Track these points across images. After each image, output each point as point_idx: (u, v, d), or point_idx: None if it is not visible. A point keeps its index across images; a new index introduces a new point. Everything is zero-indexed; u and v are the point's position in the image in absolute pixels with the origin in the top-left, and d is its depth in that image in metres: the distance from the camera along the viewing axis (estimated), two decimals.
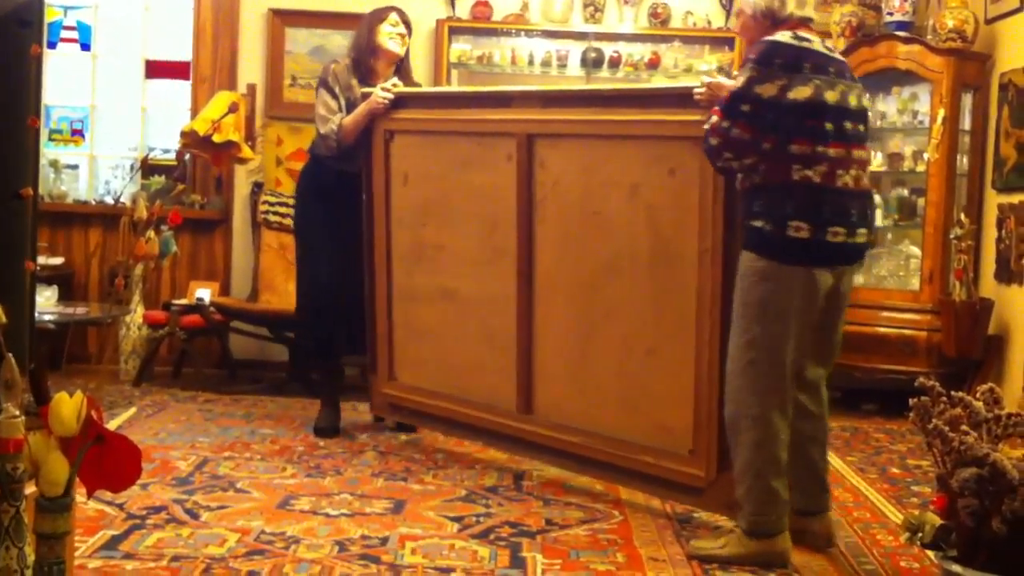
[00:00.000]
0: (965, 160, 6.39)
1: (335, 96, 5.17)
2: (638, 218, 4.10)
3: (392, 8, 5.31)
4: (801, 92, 3.49)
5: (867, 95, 3.86)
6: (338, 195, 5.25)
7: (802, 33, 3.64)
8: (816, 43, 3.64)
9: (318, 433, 5.22)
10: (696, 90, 3.82)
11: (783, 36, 3.59)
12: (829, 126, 3.53)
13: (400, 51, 5.27)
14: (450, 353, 4.89)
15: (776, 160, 3.50)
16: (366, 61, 5.25)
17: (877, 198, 5.79)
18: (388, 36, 5.23)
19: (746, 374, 3.57)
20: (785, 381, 3.58)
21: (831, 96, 3.55)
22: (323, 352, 5.46)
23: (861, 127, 3.67)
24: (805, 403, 3.70)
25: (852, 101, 3.65)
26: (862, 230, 3.63)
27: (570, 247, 4.35)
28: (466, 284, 4.78)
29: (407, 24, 5.30)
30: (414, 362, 5.11)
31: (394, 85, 5.11)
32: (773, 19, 3.67)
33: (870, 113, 3.82)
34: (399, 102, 5.06)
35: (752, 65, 3.53)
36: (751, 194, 3.59)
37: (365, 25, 5.30)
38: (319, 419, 5.32)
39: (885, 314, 6.33)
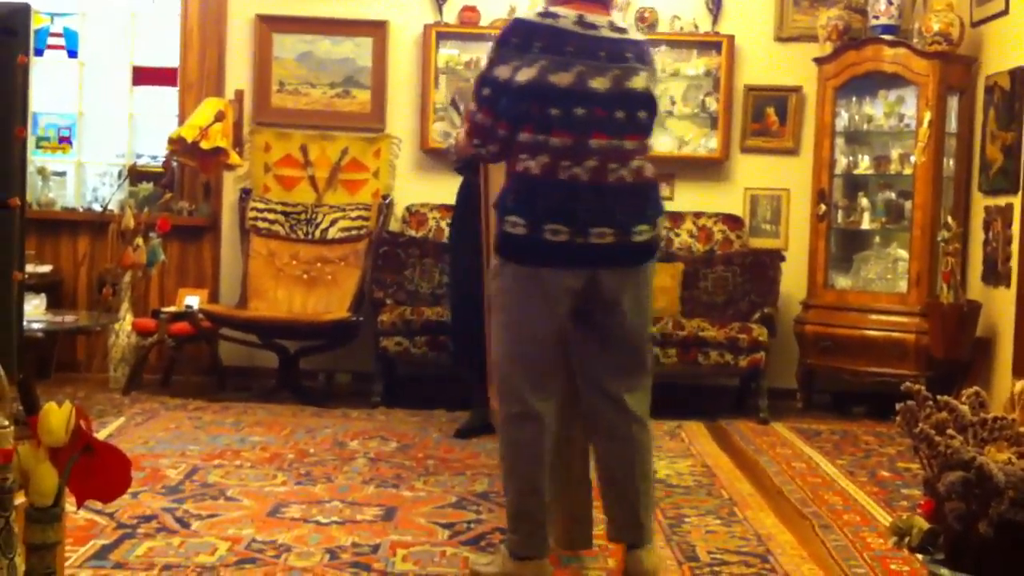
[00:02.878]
0: (952, 163, 6.42)
1: (459, 112, 5.26)
2: None
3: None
4: (525, 74, 3.17)
5: (652, 79, 3.34)
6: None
7: (561, 9, 3.25)
8: (567, 20, 3.22)
9: (465, 434, 5.44)
10: None
11: (528, 13, 3.34)
12: (555, 112, 3.17)
13: None
14: None
15: (511, 149, 3.24)
16: None
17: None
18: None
19: (498, 379, 3.38)
20: (525, 390, 3.27)
21: (562, 79, 3.17)
22: (473, 359, 5.53)
23: (619, 114, 3.22)
24: (611, 420, 3.37)
25: (599, 84, 3.20)
26: (604, 229, 3.21)
27: None
28: None
29: None
30: None
31: None
32: None
33: (650, 97, 3.31)
34: None
35: (493, 46, 3.29)
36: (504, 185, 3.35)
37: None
38: (472, 420, 5.54)
39: (873, 317, 6.35)
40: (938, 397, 2.79)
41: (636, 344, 3.38)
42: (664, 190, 6.91)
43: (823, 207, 6.58)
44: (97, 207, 7.02)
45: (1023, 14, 5.86)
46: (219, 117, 6.38)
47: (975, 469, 2.57)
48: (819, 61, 6.65)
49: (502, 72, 3.21)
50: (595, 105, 3.20)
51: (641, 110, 3.27)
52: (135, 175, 7.05)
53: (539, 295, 3.24)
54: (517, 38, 3.23)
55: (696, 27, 6.94)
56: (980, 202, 6.26)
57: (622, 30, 3.32)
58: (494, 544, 3.74)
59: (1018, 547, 2.59)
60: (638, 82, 3.27)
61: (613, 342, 3.35)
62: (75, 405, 2.39)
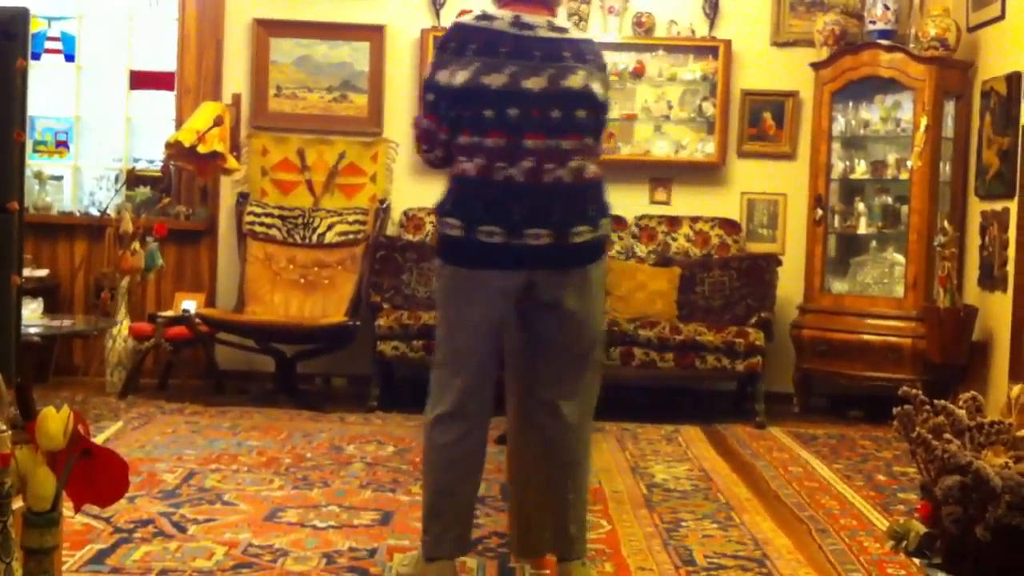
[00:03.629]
0: (948, 167, 6.43)
1: None
2: None
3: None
4: (461, 77, 3.18)
5: (594, 77, 3.28)
6: None
7: (499, 11, 3.27)
8: (502, 21, 3.23)
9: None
10: None
11: (467, 17, 3.33)
12: (489, 113, 3.16)
13: None
14: None
15: (452, 151, 3.25)
16: None
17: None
18: None
19: (433, 377, 3.34)
20: (456, 387, 3.25)
21: (495, 80, 3.16)
22: None
23: (555, 113, 3.18)
24: (544, 427, 3.34)
25: (533, 84, 3.17)
26: (539, 230, 3.16)
27: None
28: None
29: None
30: None
31: None
32: None
33: (590, 96, 3.26)
34: None
35: (435, 51, 3.33)
36: None
37: None
38: None
39: (870, 321, 6.36)
40: (935, 401, 2.79)
41: (576, 350, 3.31)
42: (661, 194, 6.93)
43: (820, 212, 6.59)
44: (94, 211, 7.02)
45: (1019, 19, 5.87)
46: (217, 122, 6.39)
47: (972, 473, 2.58)
48: (816, 66, 6.66)
49: (442, 76, 3.22)
50: (530, 105, 3.18)
51: (580, 109, 3.23)
52: (132, 179, 7.05)
53: (475, 297, 3.23)
54: (455, 42, 3.25)
55: (693, 32, 6.94)
56: (976, 207, 6.27)
57: (561, 29, 3.30)
58: (491, 548, 3.75)
59: (1015, 551, 2.59)
60: (575, 80, 3.22)
61: (551, 347, 3.30)
62: (73, 409, 2.40)
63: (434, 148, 3.30)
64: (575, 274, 3.25)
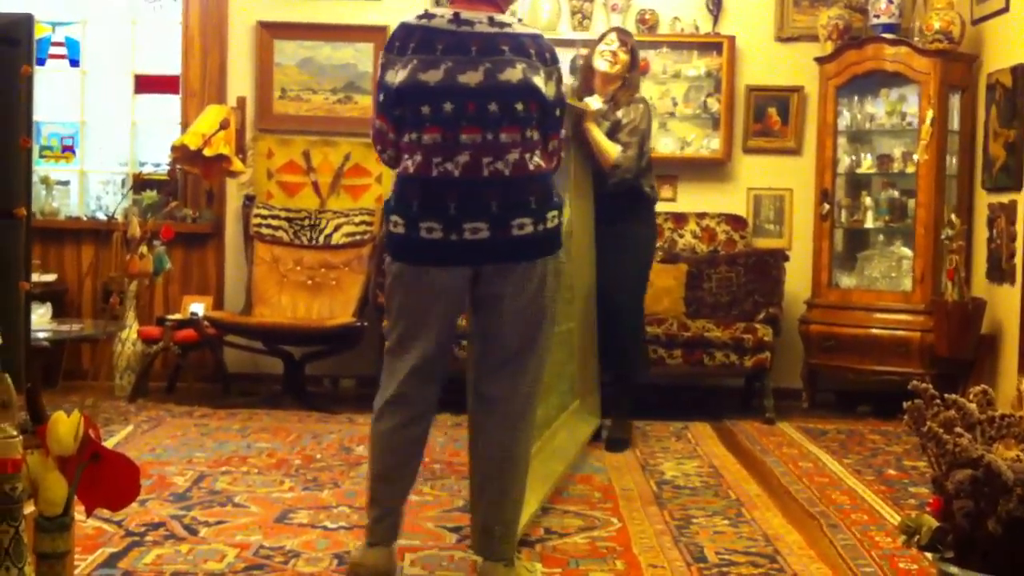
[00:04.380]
0: (954, 161, 6.42)
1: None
2: None
3: (613, 29, 5.66)
4: (400, 76, 3.23)
5: (535, 70, 3.24)
6: None
7: (439, 9, 3.32)
8: (441, 19, 3.25)
9: (620, 446, 5.33)
10: None
11: (411, 16, 3.36)
12: (426, 110, 3.19)
13: (608, 69, 5.43)
14: None
15: (399, 150, 3.30)
16: (588, 79, 5.56)
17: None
18: (599, 55, 5.47)
19: (383, 369, 3.39)
20: (401, 378, 3.29)
21: (432, 77, 3.18)
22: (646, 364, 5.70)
23: (493, 107, 3.17)
24: (483, 424, 3.33)
25: (468, 79, 3.18)
26: (478, 224, 3.16)
27: None
28: None
29: (624, 42, 5.47)
30: None
31: (583, 103, 5.33)
32: None
33: (530, 88, 3.22)
34: None
35: (383, 51, 3.36)
36: None
37: (593, 45, 5.61)
38: (624, 430, 5.45)
39: (878, 315, 6.35)
40: (945, 395, 2.79)
41: (516, 347, 3.29)
42: (667, 191, 6.92)
43: (826, 206, 6.58)
44: (101, 215, 7.04)
45: (1023, 11, 5.86)
46: (224, 125, 6.38)
47: (983, 467, 2.58)
48: (820, 61, 6.65)
49: (389, 76, 3.27)
50: (466, 99, 3.18)
51: (518, 102, 3.20)
52: (138, 183, 7.06)
53: (421, 292, 3.26)
54: (398, 42, 3.28)
55: (697, 28, 6.94)
56: (983, 199, 6.26)
57: (502, 24, 3.27)
58: None
59: None
60: (513, 74, 3.20)
61: (492, 341, 3.30)
62: (83, 414, 2.40)
63: (386, 148, 3.36)
64: (520, 268, 3.22)
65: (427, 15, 3.30)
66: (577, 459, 4.93)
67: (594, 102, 5.37)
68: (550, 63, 3.30)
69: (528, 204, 3.20)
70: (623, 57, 5.43)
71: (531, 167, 3.22)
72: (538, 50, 3.28)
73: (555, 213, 3.27)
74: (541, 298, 3.28)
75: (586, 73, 5.59)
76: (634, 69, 5.52)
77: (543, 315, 3.31)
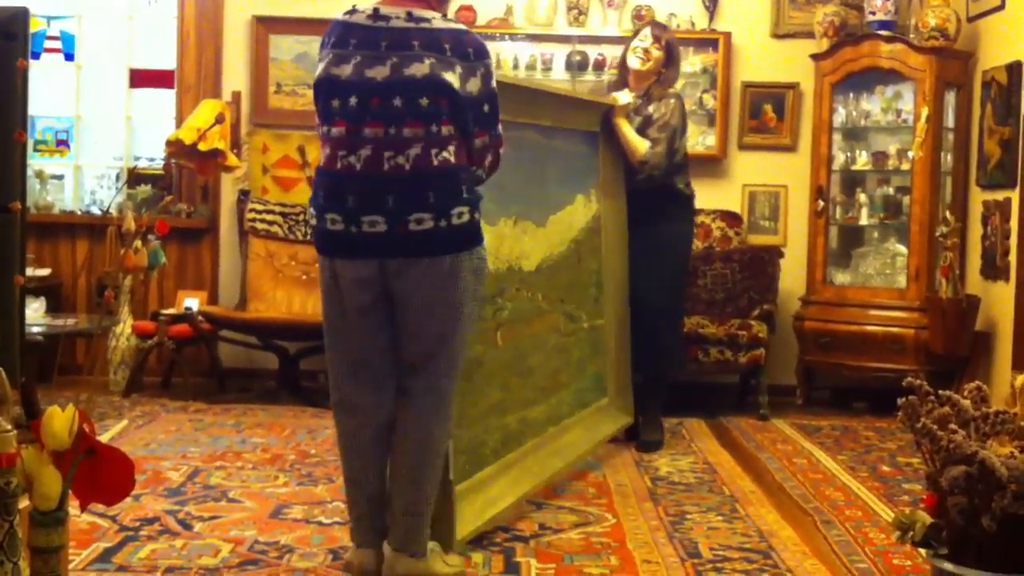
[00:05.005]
0: (949, 158, 6.43)
1: None
2: None
3: (648, 23, 5.56)
4: (319, 70, 3.30)
5: (445, 66, 3.21)
6: None
7: (362, 4, 3.35)
8: (361, 15, 3.28)
9: (652, 447, 5.26)
10: None
11: (340, 12, 3.38)
12: (336, 104, 3.23)
13: (639, 67, 5.34)
14: None
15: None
16: (623, 75, 5.47)
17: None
18: (632, 52, 5.38)
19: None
20: (342, 376, 3.35)
21: (343, 71, 3.22)
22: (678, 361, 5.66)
23: (397, 101, 3.16)
24: (400, 416, 3.35)
25: (375, 73, 3.19)
26: (375, 218, 3.17)
27: None
28: None
29: (658, 38, 5.35)
30: None
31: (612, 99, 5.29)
32: None
33: (436, 83, 3.19)
34: None
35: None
36: None
37: (628, 41, 5.53)
38: (655, 431, 5.36)
39: (872, 312, 6.36)
40: (940, 392, 2.80)
41: (426, 344, 3.30)
42: None
43: (821, 203, 6.58)
44: (95, 210, 7.02)
45: (1019, 8, 5.86)
46: (219, 119, 6.37)
47: (978, 463, 2.58)
48: (816, 57, 6.65)
49: (319, 71, 3.33)
50: (371, 94, 3.19)
51: (423, 97, 3.18)
52: (133, 177, 7.04)
53: (336, 286, 3.30)
54: (326, 38, 3.34)
55: (693, 24, 6.93)
56: (978, 197, 6.27)
57: (420, 19, 3.25)
58: (496, 543, 3.75)
59: (1021, 541, 2.60)
60: (419, 69, 3.18)
61: (407, 338, 3.31)
62: (78, 408, 2.40)
63: (322, 145, 3.35)
64: (424, 264, 3.21)
65: (352, 10, 3.32)
66: (588, 456, 4.90)
67: (623, 96, 5.27)
68: (473, 59, 3.26)
69: (426, 200, 3.17)
70: (656, 54, 5.31)
71: (435, 163, 3.19)
72: (455, 45, 3.24)
73: (463, 210, 3.23)
74: (453, 296, 3.26)
75: (621, 69, 5.50)
76: (670, 65, 5.39)
77: (456, 313, 3.29)
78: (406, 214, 3.16)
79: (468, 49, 3.25)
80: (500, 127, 3.36)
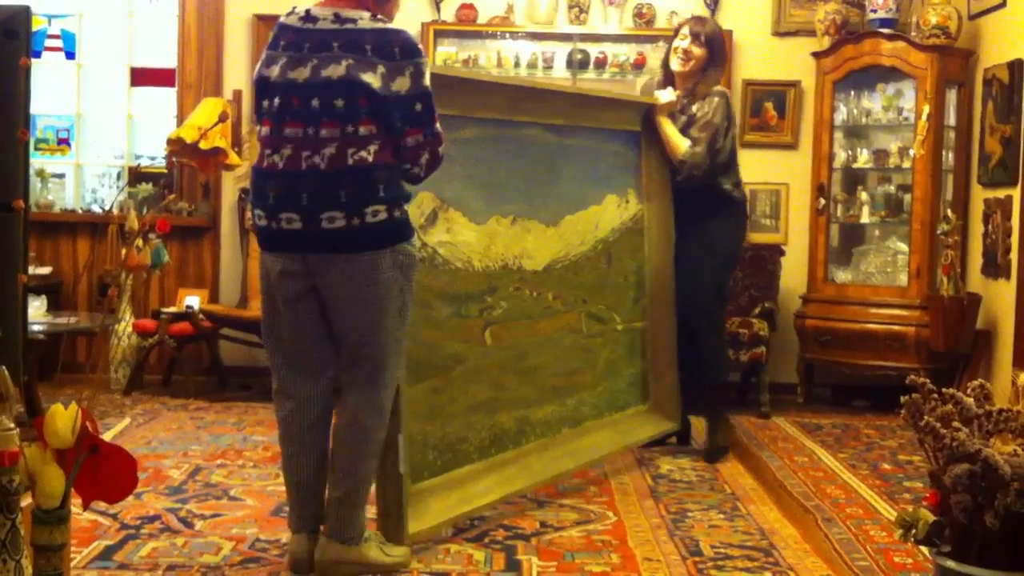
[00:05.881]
0: (951, 156, 6.43)
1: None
2: None
3: (687, 20, 5.30)
4: (256, 71, 3.44)
5: (364, 68, 3.25)
6: None
7: (299, 7, 3.43)
8: (294, 16, 3.39)
9: (718, 455, 5.10)
10: None
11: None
12: (266, 104, 3.35)
13: (680, 69, 5.13)
14: None
15: None
16: (668, 74, 5.26)
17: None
18: (672, 53, 5.19)
19: None
20: (280, 366, 3.47)
21: (272, 72, 3.33)
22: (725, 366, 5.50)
23: (315, 102, 3.25)
24: (336, 405, 3.46)
25: (297, 74, 3.29)
26: (291, 215, 3.26)
27: None
28: None
29: (697, 36, 5.11)
30: None
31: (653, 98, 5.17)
32: None
33: (351, 84, 3.24)
34: None
35: None
36: None
37: (670, 39, 5.34)
38: (723, 437, 5.20)
39: (873, 310, 6.35)
40: (943, 390, 2.79)
41: (352, 342, 3.37)
42: None
43: (822, 201, 6.58)
44: (96, 209, 7.02)
45: (1021, 6, 5.85)
46: (222, 118, 6.36)
47: (981, 461, 2.58)
48: (817, 55, 6.65)
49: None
50: (292, 95, 3.29)
51: (338, 98, 3.24)
52: (134, 176, 7.04)
53: (266, 278, 3.43)
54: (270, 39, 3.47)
55: None
56: (979, 195, 6.27)
57: (345, 20, 3.31)
58: (498, 541, 3.75)
59: None
60: (336, 70, 3.25)
61: (337, 333, 3.40)
62: (81, 407, 2.40)
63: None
64: (341, 261, 3.28)
65: (291, 11, 3.42)
66: (613, 457, 4.87)
67: (664, 95, 5.10)
68: (399, 58, 3.29)
69: (338, 198, 3.23)
70: (697, 52, 5.08)
71: (350, 162, 3.23)
72: (378, 45, 3.28)
73: (379, 208, 3.26)
74: (373, 292, 3.31)
75: (665, 69, 5.28)
76: (713, 61, 5.14)
77: (380, 310, 3.34)
78: (319, 212, 3.23)
79: (394, 49, 3.29)
80: (438, 125, 3.39)
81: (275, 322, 3.44)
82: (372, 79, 3.24)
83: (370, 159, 3.24)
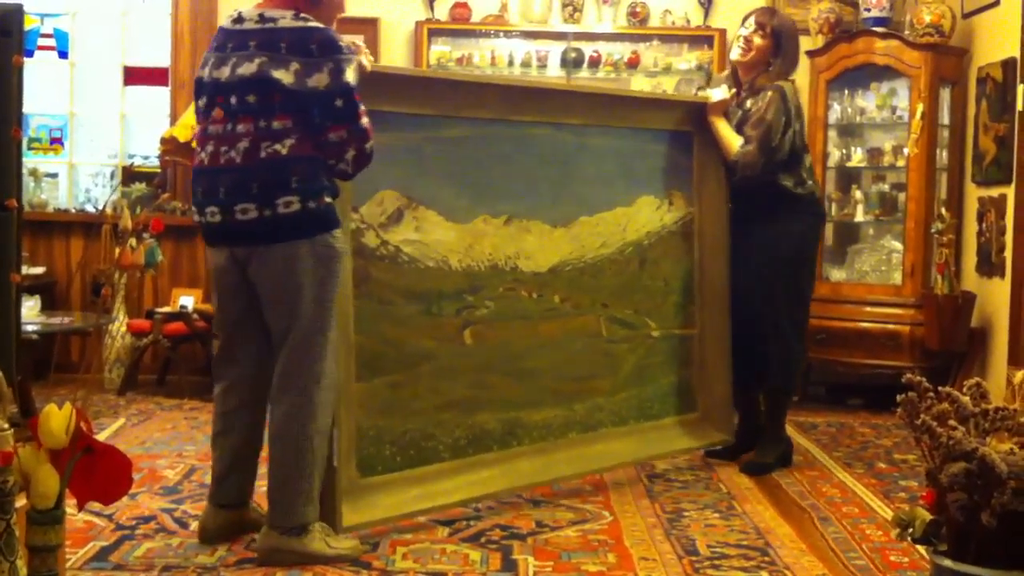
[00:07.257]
0: (944, 154, 6.43)
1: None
2: None
3: (754, 11, 5.00)
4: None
5: (277, 64, 3.35)
6: None
7: (243, 10, 3.53)
8: (229, 19, 3.53)
9: (755, 469, 4.78)
10: None
11: None
12: (199, 103, 3.55)
13: (739, 58, 4.87)
14: None
15: None
16: (733, 69, 5.00)
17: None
18: (735, 41, 4.97)
19: None
20: (220, 359, 3.68)
21: (204, 73, 3.52)
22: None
23: (232, 99, 3.39)
24: (269, 397, 3.56)
25: (220, 74, 3.45)
26: (213, 208, 3.42)
27: None
28: None
29: (762, 25, 4.84)
30: None
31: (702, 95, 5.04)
32: None
33: (262, 80, 3.35)
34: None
35: None
36: None
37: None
38: (770, 453, 4.88)
39: (868, 309, 6.36)
40: (939, 388, 2.79)
41: (280, 329, 3.47)
42: None
43: None
44: (90, 208, 7.00)
45: (1014, 5, 5.86)
46: None
47: (977, 460, 2.58)
48: (811, 54, 6.65)
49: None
50: (217, 94, 3.45)
51: (251, 94, 3.36)
52: (128, 175, 7.03)
53: (210, 267, 3.68)
54: None
55: (688, 21, 6.93)
56: (974, 193, 6.27)
57: (266, 20, 3.44)
58: (494, 540, 3.75)
59: (1021, 537, 2.60)
60: (248, 68, 3.38)
61: (267, 324, 3.52)
62: (75, 407, 2.39)
63: None
64: (259, 251, 3.42)
65: (231, 14, 3.56)
66: (632, 465, 4.76)
67: (716, 92, 4.88)
68: (317, 55, 3.36)
69: (250, 190, 3.35)
70: (759, 42, 4.81)
71: (263, 155, 3.33)
72: (294, 42, 3.37)
73: (292, 199, 3.35)
74: (293, 283, 3.41)
75: (730, 63, 5.05)
76: (779, 54, 4.85)
77: (297, 300, 3.42)
78: (233, 204, 3.37)
79: (311, 46, 3.37)
80: (364, 121, 3.42)
81: (219, 309, 3.67)
82: (283, 75, 3.34)
83: (284, 152, 3.35)
